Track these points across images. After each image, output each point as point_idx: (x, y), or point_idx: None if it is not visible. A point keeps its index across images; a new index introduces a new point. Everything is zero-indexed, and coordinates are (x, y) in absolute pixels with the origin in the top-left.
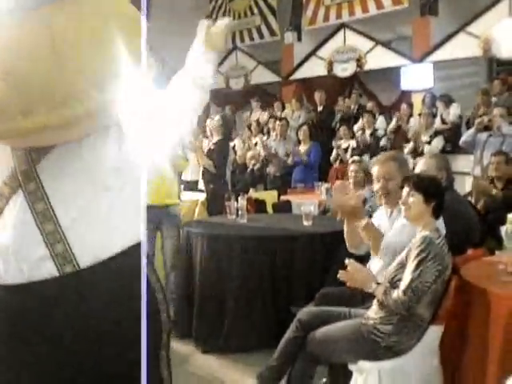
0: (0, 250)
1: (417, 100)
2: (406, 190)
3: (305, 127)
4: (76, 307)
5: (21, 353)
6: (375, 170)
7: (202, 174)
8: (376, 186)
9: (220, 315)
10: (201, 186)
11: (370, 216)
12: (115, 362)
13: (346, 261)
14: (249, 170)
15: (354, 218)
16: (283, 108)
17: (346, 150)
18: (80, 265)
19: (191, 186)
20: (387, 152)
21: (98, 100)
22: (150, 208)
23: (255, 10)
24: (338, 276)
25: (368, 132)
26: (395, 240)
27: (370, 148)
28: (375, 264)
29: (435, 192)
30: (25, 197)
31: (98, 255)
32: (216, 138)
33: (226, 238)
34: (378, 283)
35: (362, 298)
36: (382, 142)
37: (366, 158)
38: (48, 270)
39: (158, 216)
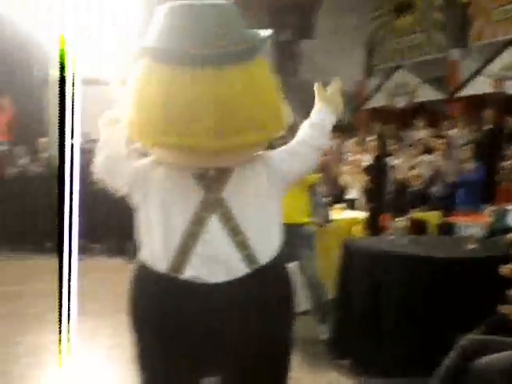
0: (206, 257)
1: None
2: None
3: (469, 146)
4: (264, 293)
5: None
6: None
7: (363, 193)
8: None
9: (379, 338)
10: (360, 204)
11: None
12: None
13: None
14: (412, 189)
15: None
16: (452, 126)
17: None
18: (260, 262)
19: (351, 205)
20: None
21: (273, 129)
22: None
23: (420, 27)
24: (501, 307)
25: None
26: None
27: None
28: None
29: None
30: (218, 218)
31: (270, 254)
32: (373, 156)
33: (386, 258)
34: None
35: None
36: None
37: None
38: (241, 269)
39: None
